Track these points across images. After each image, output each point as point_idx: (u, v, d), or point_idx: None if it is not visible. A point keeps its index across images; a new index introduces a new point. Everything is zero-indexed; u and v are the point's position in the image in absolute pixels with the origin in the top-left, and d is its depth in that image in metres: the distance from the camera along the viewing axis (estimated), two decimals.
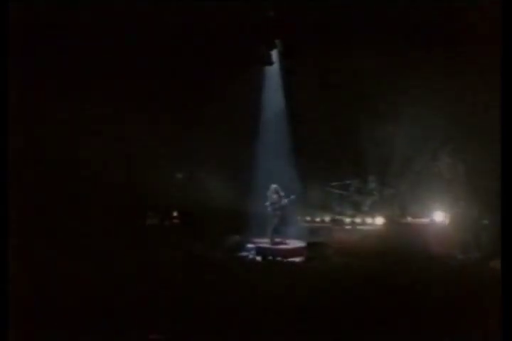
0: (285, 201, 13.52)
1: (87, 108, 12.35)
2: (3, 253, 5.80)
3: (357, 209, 14.31)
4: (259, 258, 11.86)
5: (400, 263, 9.93)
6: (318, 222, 14.30)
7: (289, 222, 13.87)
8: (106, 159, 12.45)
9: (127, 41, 12.48)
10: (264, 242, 13.38)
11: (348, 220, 13.92)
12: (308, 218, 14.41)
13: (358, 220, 13.83)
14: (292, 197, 13.46)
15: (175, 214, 14.33)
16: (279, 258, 11.86)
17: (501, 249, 6.09)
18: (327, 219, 14.26)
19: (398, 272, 8.93)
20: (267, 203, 13.57)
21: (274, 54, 14.31)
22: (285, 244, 13.36)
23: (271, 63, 14.36)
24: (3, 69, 6.30)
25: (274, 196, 13.55)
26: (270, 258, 11.77)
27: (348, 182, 14.43)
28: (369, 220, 13.71)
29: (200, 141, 14.15)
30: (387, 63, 13.07)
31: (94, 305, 6.35)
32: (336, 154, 14.28)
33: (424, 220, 13.09)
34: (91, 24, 12.09)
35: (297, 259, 11.88)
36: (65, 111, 11.95)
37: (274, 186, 13.59)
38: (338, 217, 14.09)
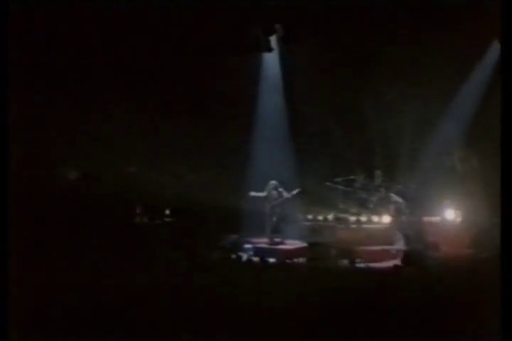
0: (287, 196, 13.09)
1: (75, 104, 12.46)
2: (3, 254, 6.02)
3: (362, 206, 13.85)
4: (256, 259, 11.45)
5: (409, 264, 9.93)
6: (320, 221, 13.89)
7: (289, 220, 13.45)
8: (95, 157, 12.66)
9: (119, 28, 12.41)
10: (263, 242, 13.05)
11: (352, 218, 13.53)
12: (309, 216, 13.96)
13: (363, 219, 13.44)
14: (294, 191, 13.04)
15: (167, 212, 13.93)
16: (278, 260, 11.57)
17: (501, 248, 6.18)
18: (330, 217, 13.86)
19: (407, 275, 8.92)
20: (253, 193, 13.10)
21: (273, 40, 13.71)
22: (285, 244, 12.97)
23: (270, 50, 13.77)
24: (4, 70, 6.50)
25: (274, 192, 13.12)
26: (271, 259, 11.45)
27: (352, 177, 13.92)
28: (375, 218, 13.34)
29: (194, 134, 13.91)
30: (394, 45, 12.86)
31: (92, 308, 6.37)
32: (339, 147, 13.94)
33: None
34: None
35: (298, 261, 11.69)
36: (52, 108, 12.17)
37: (272, 182, 13.15)
38: (342, 215, 13.71)
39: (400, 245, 12.03)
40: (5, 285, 5.85)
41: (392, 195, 12.98)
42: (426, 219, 12.94)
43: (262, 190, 13.22)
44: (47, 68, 11.96)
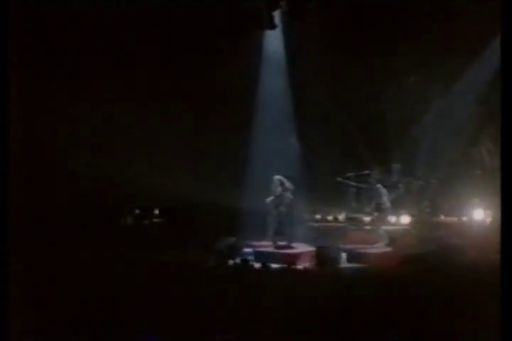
0: (289, 195, 12.40)
1: (74, 104, 12.38)
2: (3, 254, 6.19)
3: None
4: (258, 264, 10.41)
5: (430, 271, 8.88)
6: (330, 221, 13.55)
7: (295, 220, 12.81)
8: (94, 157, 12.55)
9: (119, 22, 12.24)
10: (264, 245, 12.49)
11: (366, 219, 12.91)
12: (318, 216, 13.63)
13: None
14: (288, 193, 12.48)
15: (156, 212, 13.81)
16: (282, 265, 10.61)
17: (501, 249, 6.10)
18: (341, 217, 13.54)
19: (428, 282, 7.74)
20: (269, 199, 12.42)
21: (277, 16, 13.12)
22: (290, 247, 12.31)
23: (273, 27, 13.11)
24: (4, 70, 6.66)
25: (278, 189, 12.41)
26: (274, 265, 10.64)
27: (366, 172, 13.12)
28: (393, 219, 12.76)
29: (189, 124, 13.42)
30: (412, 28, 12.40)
31: (91, 308, 6.44)
32: (351, 137, 13.53)
33: (461, 219, 12.52)
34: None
35: (304, 266, 10.83)
36: (52, 108, 12.07)
37: (277, 177, 12.45)
38: (354, 215, 13.27)
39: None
40: (5, 285, 6.02)
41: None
42: (447, 219, 12.61)
43: (263, 186, 12.59)
44: (47, 68, 11.96)
